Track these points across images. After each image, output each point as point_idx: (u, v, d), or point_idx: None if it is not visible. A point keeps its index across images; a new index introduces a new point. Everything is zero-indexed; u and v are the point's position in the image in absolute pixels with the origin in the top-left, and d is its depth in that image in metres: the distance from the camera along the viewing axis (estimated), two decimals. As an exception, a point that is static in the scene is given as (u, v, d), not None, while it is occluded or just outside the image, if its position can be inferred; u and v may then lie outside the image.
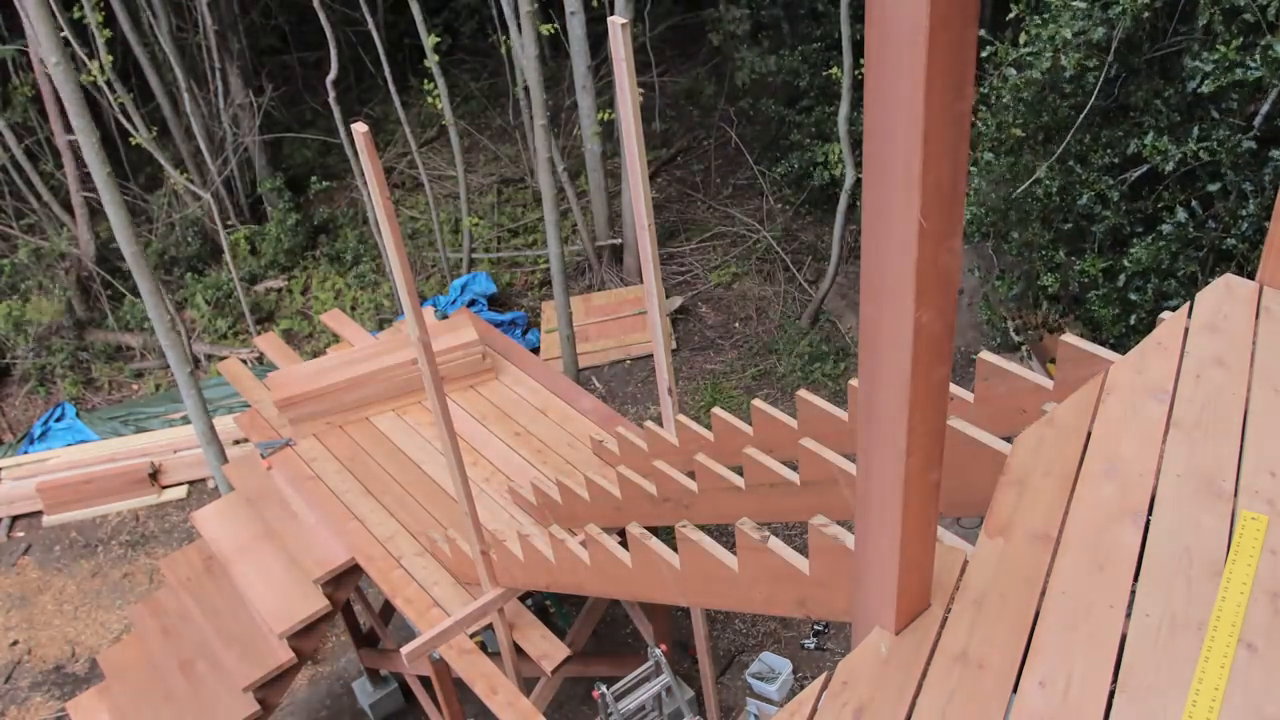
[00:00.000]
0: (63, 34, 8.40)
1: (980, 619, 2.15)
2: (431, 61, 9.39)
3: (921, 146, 1.46)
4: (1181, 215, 5.07)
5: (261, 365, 9.89)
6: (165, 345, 6.93)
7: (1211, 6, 4.90)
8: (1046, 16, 5.38)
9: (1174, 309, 4.10)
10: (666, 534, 3.72)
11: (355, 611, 6.78)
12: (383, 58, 9.87)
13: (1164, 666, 1.98)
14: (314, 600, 5.36)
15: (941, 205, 1.54)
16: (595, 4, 9.51)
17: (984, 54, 5.65)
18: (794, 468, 3.54)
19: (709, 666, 5.75)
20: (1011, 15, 5.74)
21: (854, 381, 2.97)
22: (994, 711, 1.97)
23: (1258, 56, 4.68)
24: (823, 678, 2.15)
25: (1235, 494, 2.34)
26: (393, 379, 6.21)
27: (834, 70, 8.74)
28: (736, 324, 10.13)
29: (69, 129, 6.54)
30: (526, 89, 9.20)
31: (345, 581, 5.52)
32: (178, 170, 10.74)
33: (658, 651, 5.32)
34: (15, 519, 9.11)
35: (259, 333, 10.50)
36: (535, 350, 9.75)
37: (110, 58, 9.38)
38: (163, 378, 10.33)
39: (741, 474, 3.73)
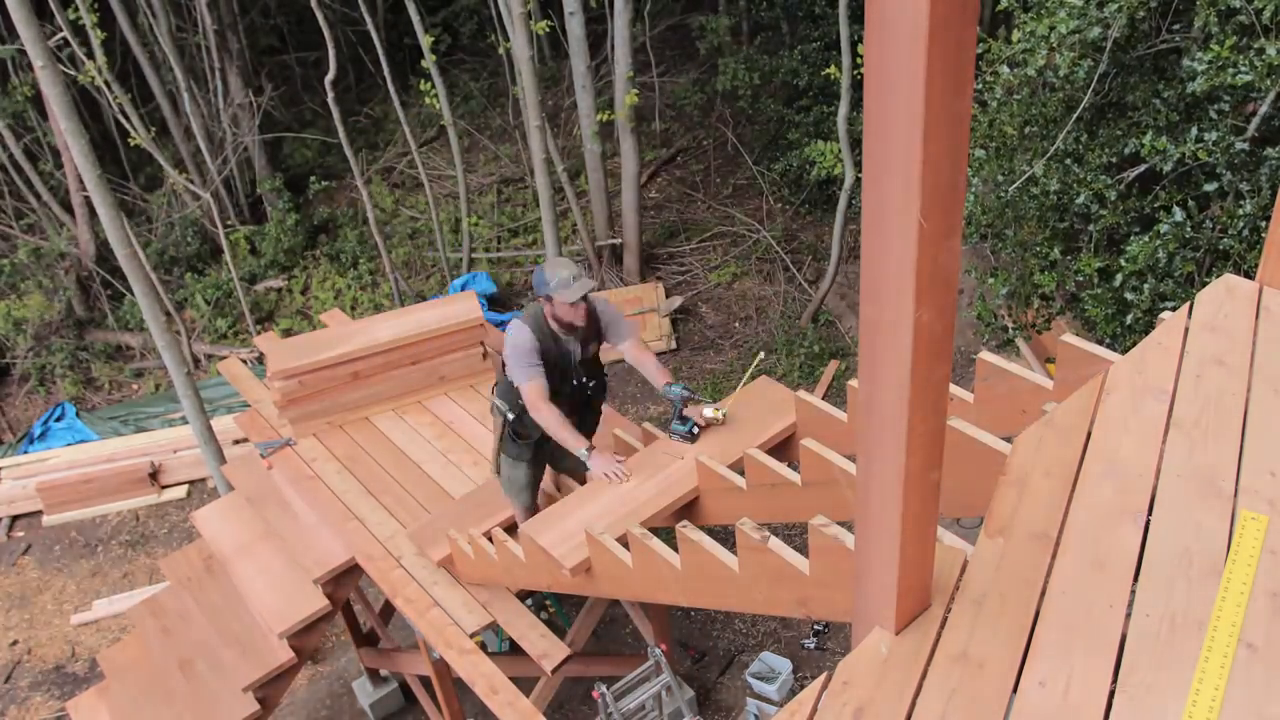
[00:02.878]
0: (61, 35, 8.42)
1: (980, 619, 2.15)
2: (429, 62, 9.39)
3: (921, 146, 1.46)
4: (1179, 215, 5.07)
5: (261, 365, 9.89)
6: (161, 346, 6.92)
7: (1208, 8, 4.90)
8: (1042, 12, 5.38)
9: (1172, 309, 4.11)
10: (667, 534, 3.72)
11: (355, 611, 6.78)
12: (382, 58, 9.88)
13: (1164, 666, 1.98)
14: (314, 600, 5.36)
15: (941, 205, 1.54)
16: (594, 4, 9.51)
17: (977, 50, 5.65)
18: (794, 468, 3.54)
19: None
20: (1002, 7, 5.74)
21: (853, 382, 2.97)
22: (994, 711, 1.98)
23: (1249, 60, 4.69)
24: (823, 678, 2.15)
25: (1235, 494, 2.34)
26: (392, 378, 6.20)
27: (832, 69, 8.74)
28: (736, 324, 10.13)
29: (68, 129, 6.55)
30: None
31: (345, 581, 5.51)
32: (177, 170, 10.74)
33: (658, 651, 5.32)
34: (15, 519, 9.11)
35: (259, 332, 10.50)
36: (535, 350, 9.73)
37: (107, 58, 9.37)
38: (162, 377, 10.33)
39: (742, 474, 3.73)
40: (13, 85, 10.87)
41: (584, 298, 4.29)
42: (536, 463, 4.86)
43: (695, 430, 4.26)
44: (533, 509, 4.92)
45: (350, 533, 5.47)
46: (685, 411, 4.30)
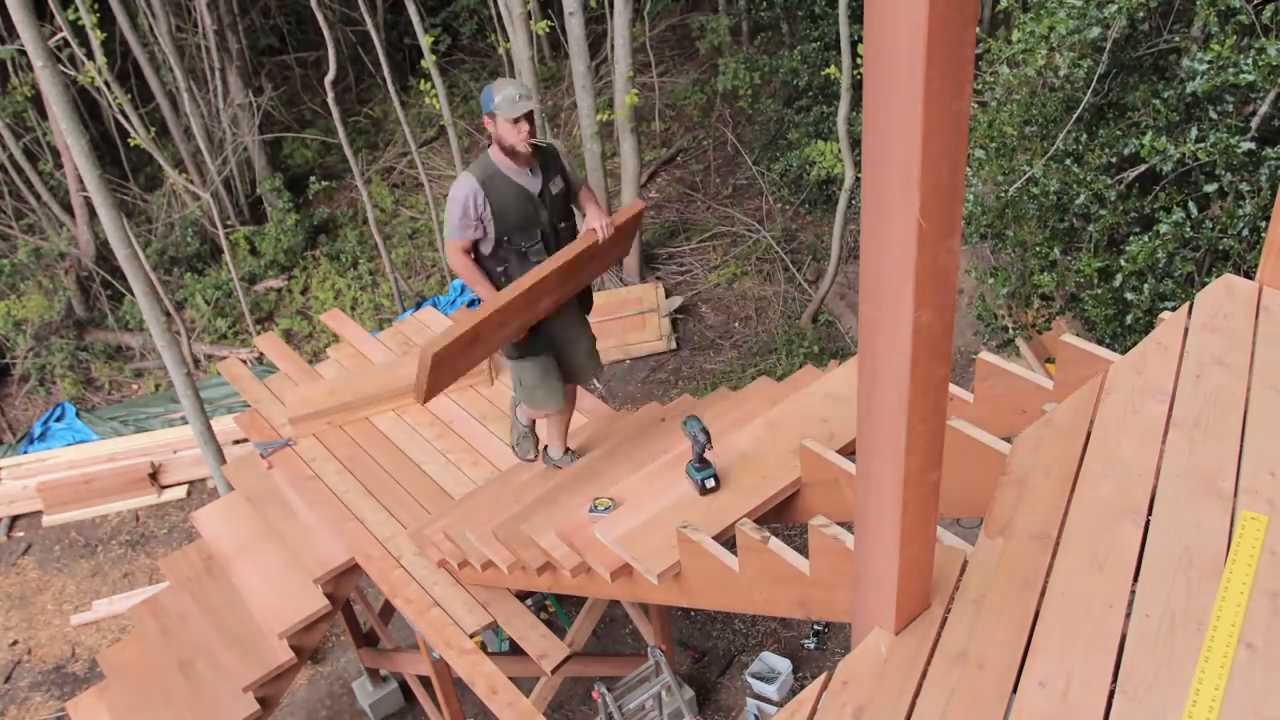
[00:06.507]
0: (61, 35, 8.42)
1: (980, 619, 2.15)
2: (429, 62, 9.40)
3: (920, 146, 1.46)
4: (1178, 215, 5.08)
5: (261, 365, 9.89)
6: (161, 346, 6.92)
7: (1208, 8, 4.91)
8: (1042, 12, 5.38)
9: (1172, 309, 4.11)
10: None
11: (355, 611, 6.79)
12: (382, 58, 9.88)
13: (1164, 666, 1.98)
14: (314, 600, 5.36)
15: (940, 205, 1.54)
16: (594, 4, 9.51)
17: (977, 50, 5.66)
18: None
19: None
20: (1002, 7, 5.74)
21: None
22: (994, 711, 1.98)
23: (1250, 60, 4.69)
24: (823, 678, 2.15)
25: (1235, 494, 2.34)
26: (393, 379, 6.21)
27: (832, 69, 8.75)
28: (736, 324, 10.13)
29: (68, 129, 6.55)
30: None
31: (345, 581, 5.51)
32: (177, 170, 10.74)
33: (658, 651, 5.32)
34: (15, 519, 9.11)
35: (259, 333, 10.50)
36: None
37: (107, 59, 9.38)
38: (162, 377, 10.33)
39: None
40: (13, 85, 10.87)
41: (529, 120, 4.12)
42: (541, 353, 4.52)
43: (710, 484, 3.45)
44: (561, 411, 4.73)
45: (350, 533, 5.47)
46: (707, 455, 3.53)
